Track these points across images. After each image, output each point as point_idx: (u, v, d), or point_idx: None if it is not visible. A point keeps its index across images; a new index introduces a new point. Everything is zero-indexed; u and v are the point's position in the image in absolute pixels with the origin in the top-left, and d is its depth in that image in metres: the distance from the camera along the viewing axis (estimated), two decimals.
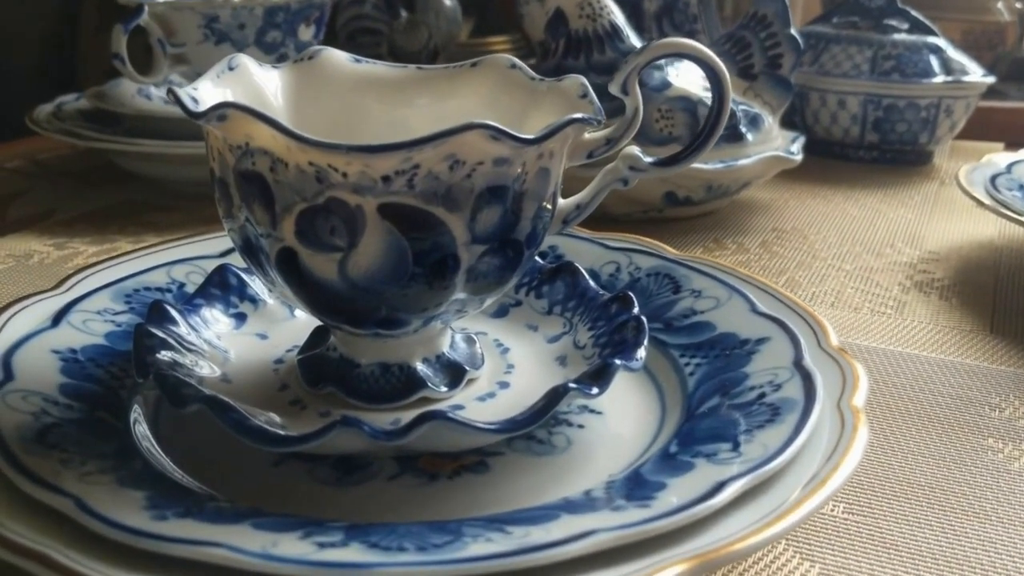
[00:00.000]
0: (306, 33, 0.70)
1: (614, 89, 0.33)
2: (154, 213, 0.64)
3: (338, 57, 0.37)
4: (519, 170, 0.29)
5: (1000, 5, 0.99)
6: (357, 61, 0.37)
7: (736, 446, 0.29)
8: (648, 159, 0.34)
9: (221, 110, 0.27)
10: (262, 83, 0.35)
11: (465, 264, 0.30)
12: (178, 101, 0.29)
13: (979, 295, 0.52)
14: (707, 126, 0.33)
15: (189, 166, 0.63)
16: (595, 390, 0.30)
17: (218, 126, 0.28)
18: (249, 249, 0.31)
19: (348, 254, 0.29)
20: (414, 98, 0.38)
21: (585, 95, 0.33)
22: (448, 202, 0.28)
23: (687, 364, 0.36)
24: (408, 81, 0.38)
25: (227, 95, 0.33)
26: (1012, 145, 0.85)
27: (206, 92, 0.32)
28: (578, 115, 0.29)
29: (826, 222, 0.65)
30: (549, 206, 0.32)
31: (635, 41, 0.62)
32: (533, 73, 0.35)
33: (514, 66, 0.36)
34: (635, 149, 0.34)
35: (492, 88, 0.36)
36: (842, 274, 0.55)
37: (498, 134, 0.27)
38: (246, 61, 0.35)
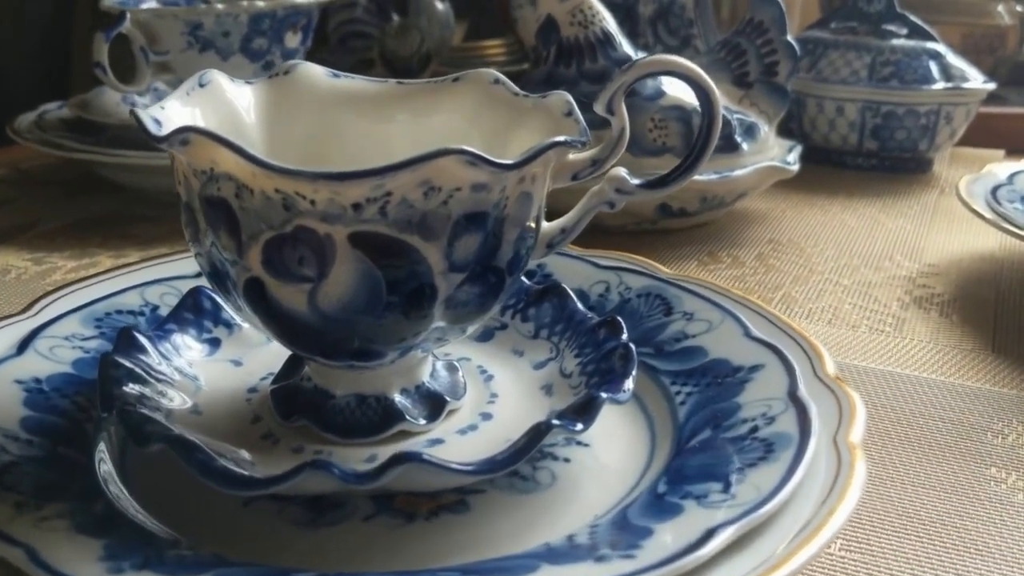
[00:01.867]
0: (293, 40, 0.68)
1: (599, 108, 0.31)
2: (137, 225, 0.63)
3: (315, 71, 0.36)
4: (499, 195, 0.28)
5: (1000, 8, 0.98)
6: (335, 76, 0.36)
7: (727, 487, 0.27)
8: (635, 181, 0.33)
9: (184, 134, 0.26)
10: (235, 99, 0.34)
11: (443, 293, 0.28)
12: (139, 123, 0.27)
13: (980, 311, 0.51)
14: (697, 146, 0.32)
15: (172, 177, 0.61)
16: (579, 426, 0.28)
17: (181, 151, 0.27)
18: (216, 276, 0.30)
19: (318, 285, 0.27)
20: (394, 114, 0.36)
21: (570, 113, 0.31)
22: (423, 230, 0.27)
23: (678, 393, 0.34)
24: (388, 96, 0.36)
25: (196, 114, 0.32)
26: (1013, 152, 0.84)
27: (174, 111, 0.30)
28: (560, 138, 0.28)
29: (823, 233, 0.63)
30: (532, 230, 0.31)
31: (628, 49, 0.60)
32: (517, 89, 0.34)
33: (497, 81, 0.35)
34: (622, 171, 0.33)
35: (475, 104, 0.35)
36: (840, 289, 0.54)
37: (475, 159, 0.26)
38: (218, 77, 0.33)
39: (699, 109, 0.58)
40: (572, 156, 0.31)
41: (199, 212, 0.29)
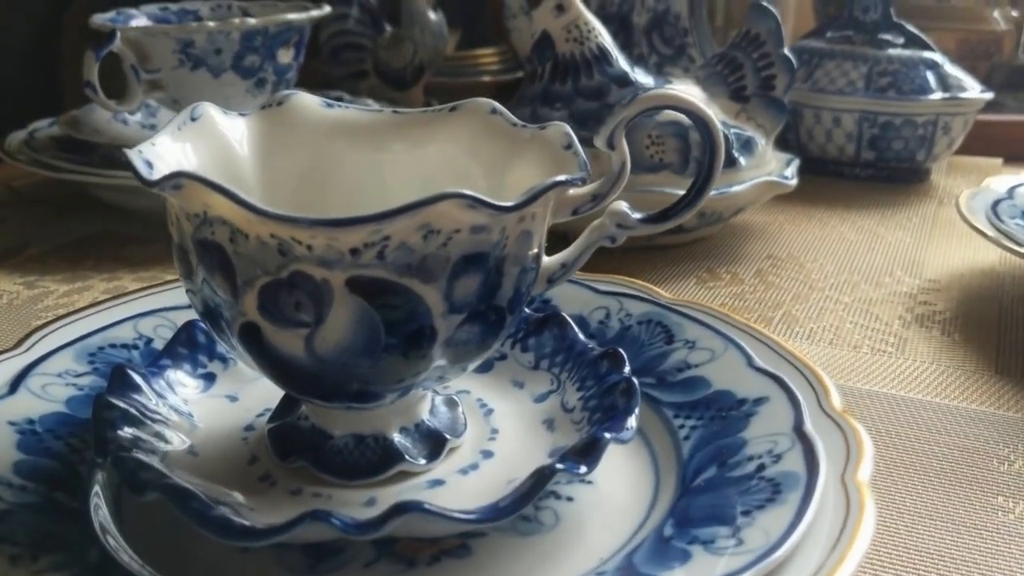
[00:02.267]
0: (286, 56, 0.67)
1: (600, 143, 0.31)
2: (129, 246, 0.62)
3: (308, 102, 0.35)
4: (499, 236, 0.27)
5: (996, 14, 0.97)
6: (328, 106, 0.35)
7: (735, 531, 0.27)
8: (636, 216, 0.32)
9: (176, 179, 0.25)
10: (227, 132, 0.33)
11: (443, 335, 0.28)
12: (131, 167, 0.27)
13: (982, 330, 0.50)
14: (699, 181, 0.31)
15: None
16: (583, 469, 0.28)
17: (174, 194, 0.26)
18: (210, 316, 0.29)
19: (315, 330, 0.27)
20: (390, 143, 0.36)
21: (569, 146, 0.31)
22: (423, 273, 0.26)
23: (681, 426, 0.34)
24: (383, 126, 0.36)
25: (187, 150, 0.31)
26: (1010, 160, 0.84)
27: (165, 147, 0.30)
28: (561, 177, 0.27)
29: (822, 248, 0.63)
30: (533, 267, 0.30)
31: (623, 65, 0.60)
32: (515, 119, 0.34)
33: (495, 111, 0.34)
34: (623, 205, 0.32)
35: (472, 134, 0.34)
36: (840, 307, 0.53)
37: (475, 203, 0.25)
38: (210, 110, 0.33)
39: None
40: (572, 191, 0.31)
41: (192, 254, 0.28)
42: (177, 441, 0.32)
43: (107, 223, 0.66)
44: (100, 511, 0.30)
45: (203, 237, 0.27)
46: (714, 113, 0.60)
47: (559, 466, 0.27)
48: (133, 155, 0.27)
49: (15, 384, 0.34)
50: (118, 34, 0.62)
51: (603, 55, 0.59)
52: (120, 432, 0.30)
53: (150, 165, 0.27)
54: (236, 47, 0.64)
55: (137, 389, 0.33)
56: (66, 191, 0.71)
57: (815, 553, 0.26)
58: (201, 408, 0.34)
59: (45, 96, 1.18)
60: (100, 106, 0.63)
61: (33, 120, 0.74)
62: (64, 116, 0.71)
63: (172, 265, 0.57)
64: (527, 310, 0.38)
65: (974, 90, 0.74)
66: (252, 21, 0.64)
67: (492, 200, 0.26)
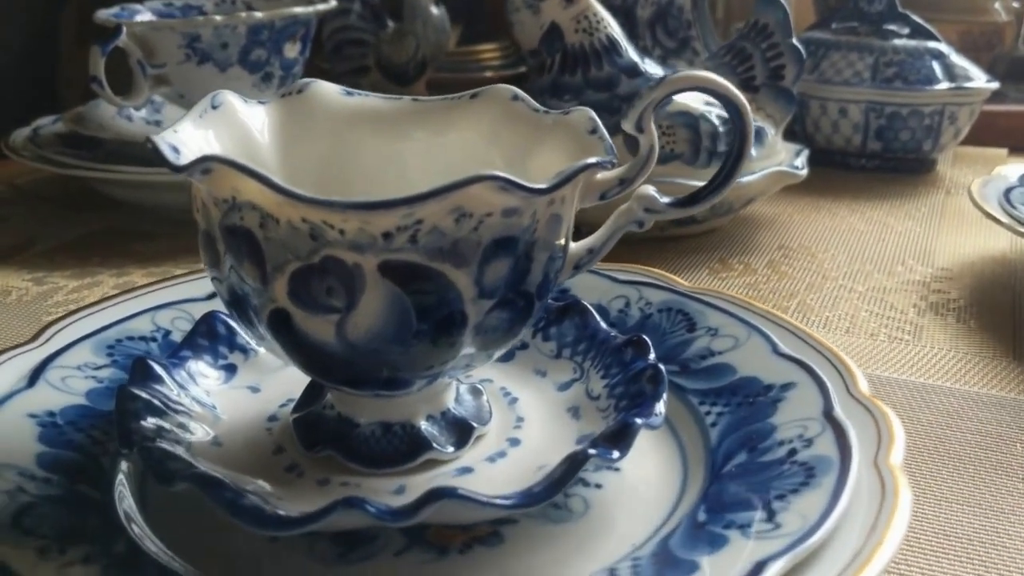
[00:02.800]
0: (292, 50, 0.67)
1: (628, 127, 0.30)
2: (136, 241, 0.62)
3: (328, 90, 0.35)
4: (530, 220, 0.27)
5: (998, 5, 0.97)
6: (348, 94, 0.35)
7: (771, 515, 0.26)
8: (664, 199, 0.32)
9: (205, 163, 0.25)
10: (247, 120, 0.33)
11: (473, 320, 0.28)
12: (157, 152, 0.26)
13: (998, 316, 0.50)
14: (729, 163, 0.31)
15: (171, 192, 0.60)
16: (616, 454, 0.28)
17: (202, 180, 0.26)
18: (237, 305, 0.29)
19: (346, 315, 0.27)
20: (411, 131, 0.35)
21: (595, 130, 0.31)
22: (454, 257, 0.26)
23: (708, 413, 0.33)
24: (403, 114, 0.35)
25: (210, 136, 0.31)
26: (1015, 150, 0.84)
27: (188, 135, 0.29)
28: (592, 160, 0.27)
29: (833, 238, 0.63)
30: (561, 252, 0.30)
31: (633, 55, 0.60)
32: (537, 105, 0.33)
33: (516, 97, 0.34)
34: (650, 189, 0.32)
35: (493, 121, 0.34)
36: (855, 296, 0.53)
37: (508, 185, 0.25)
38: (230, 98, 0.32)
39: (706, 115, 0.58)
40: (600, 175, 0.31)
41: (219, 241, 0.28)
42: (201, 432, 0.32)
43: (113, 219, 0.66)
44: (124, 501, 0.29)
45: (232, 223, 0.27)
46: None
47: (592, 451, 0.27)
48: (159, 141, 0.27)
49: (34, 377, 0.34)
50: (124, 29, 0.61)
51: (612, 46, 0.59)
52: (144, 423, 0.30)
53: (176, 150, 0.27)
54: (243, 41, 0.64)
55: (159, 380, 0.33)
56: (71, 188, 0.71)
57: (852, 537, 0.26)
58: (223, 399, 0.34)
59: (42, 94, 1.18)
60: (106, 101, 0.62)
61: (30, 118, 0.73)
62: (68, 112, 0.71)
63: (182, 260, 0.57)
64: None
65: (980, 80, 0.74)
66: (258, 15, 0.63)
67: (525, 182, 0.25)
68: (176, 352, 0.35)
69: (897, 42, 0.76)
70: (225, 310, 0.35)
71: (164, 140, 0.27)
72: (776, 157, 0.62)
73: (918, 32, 0.77)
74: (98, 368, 0.35)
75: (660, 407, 0.30)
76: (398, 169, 0.35)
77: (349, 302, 0.26)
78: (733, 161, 0.31)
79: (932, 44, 0.76)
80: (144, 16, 0.68)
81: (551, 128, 0.32)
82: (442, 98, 0.35)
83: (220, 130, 0.31)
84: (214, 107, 0.32)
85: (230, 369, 0.36)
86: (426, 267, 0.26)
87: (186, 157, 0.27)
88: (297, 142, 0.34)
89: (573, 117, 0.32)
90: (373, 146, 0.35)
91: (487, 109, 0.34)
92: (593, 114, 0.31)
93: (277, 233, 0.26)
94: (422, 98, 0.35)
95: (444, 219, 0.25)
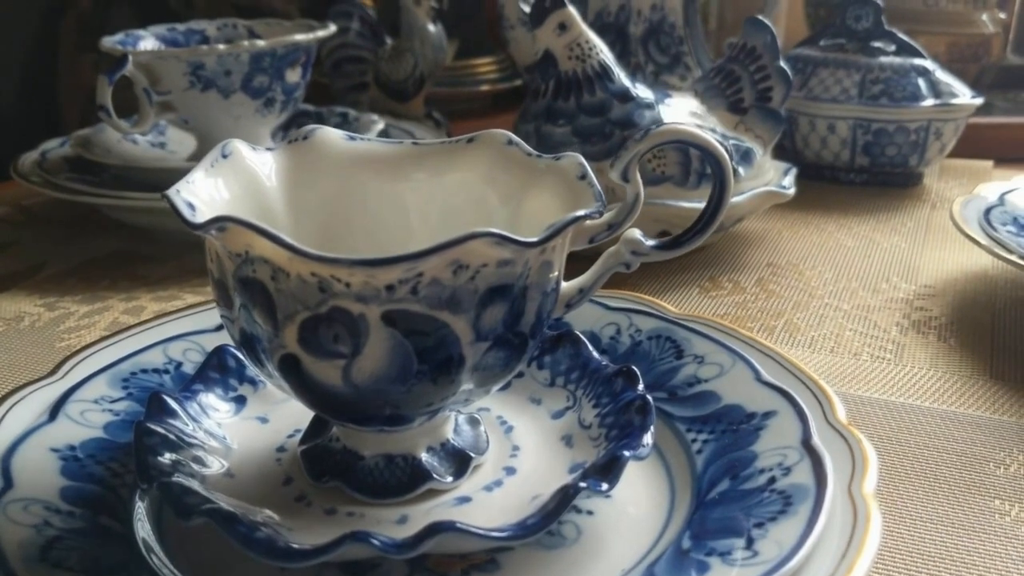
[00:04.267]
0: (293, 75, 0.69)
1: (614, 176, 0.32)
2: (143, 265, 0.64)
3: (332, 136, 0.37)
4: (523, 268, 0.29)
5: (984, 17, 0.99)
6: (351, 139, 0.37)
7: (750, 543, 0.28)
8: (650, 243, 0.34)
9: (220, 223, 0.27)
10: (256, 167, 0.35)
11: (470, 361, 0.30)
12: (175, 210, 0.28)
13: (977, 335, 0.52)
14: (709, 210, 0.33)
15: (177, 218, 0.62)
16: (605, 486, 0.29)
17: (217, 237, 0.28)
18: (248, 345, 0.31)
19: (352, 360, 0.28)
20: (411, 173, 0.37)
21: (584, 176, 0.33)
22: (452, 305, 0.28)
23: (694, 440, 0.35)
24: (404, 157, 0.37)
25: (220, 185, 0.33)
26: (1001, 161, 0.85)
27: (200, 184, 0.32)
28: (581, 212, 0.29)
29: (820, 254, 0.65)
30: (552, 293, 0.32)
31: (624, 81, 0.61)
32: (530, 149, 0.35)
33: (511, 142, 0.36)
34: (636, 233, 0.34)
35: (489, 164, 0.36)
36: (840, 314, 0.55)
37: (503, 240, 0.27)
38: (239, 146, 0.34)
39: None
40: (589, 222, 0.32)
41: (233, 290, 0.30)
42: (215, 464, 0.34)
43: (120, 242, 0.67)
44: (144, 530, 0.31)
45: (245, 275, 0.29)
46: (713, 124, 0.62)
47: (582, 484, 0.29)
48: (175, 198, 0.29)
49: (55, 411, 0.36)
50: (130, 58, 0.63)
51: (605, 72, 0.61)
52: (161, 458, 0.31)
53: (192, 207, 0.29)
54: (245, 68, 0.65)
55: (173, 414, 0.34)
56: (78, 210, 0.73)
57: (825, 562, 0.27)
58: (234, 431, 0.36)
59: (43, 106, 1.19)
60: (114, 128, 0.64)
61: (31, 138, 0.75)
62: (75, 135, 0.73)
63: (188, 284, 0.59)
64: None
65: (965, 96, 0.76)
66: (261, 43, 0.65)
67: (518, 237, 0.27)
68: (188, 386, 0.37)
69: (883, 59, 0.78)
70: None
71: (179, 195, 0.29)
72: (764, 177, 0.64)
73: (904, 49, 0.79)
74: (114, 401, 0.37)
75: (648, 438, 0.32)
76: (399, 209, 0.37)
77: (354, 348, 0.28)
78: (713, 207, 0.33)
79: (918, 61, 0.77)
80: (148, 42, 0.69)
81: (543, 172, 0.34)
82: (440, 142, 0.37)
83: (230, 178, 0.33)
84: (224, 156, 0.34)
85: (240, 401, 0.38)
86: (426, 315, 0.28)
87: (201, 212, 0.29)
88: (303, 186, 0.36)
89: (564, 163, 0.34)
90: (375, 188, 0.37)
91: (483, 153, 0.36)
92: (582, 160, 0.33)
93: (288, 285, 0.28)
94: (421, 142, 0.37)
95: (443, 272, 0.27)
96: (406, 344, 0.28)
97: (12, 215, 0.75)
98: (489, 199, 0.36)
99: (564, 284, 0.34)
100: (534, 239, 0.28)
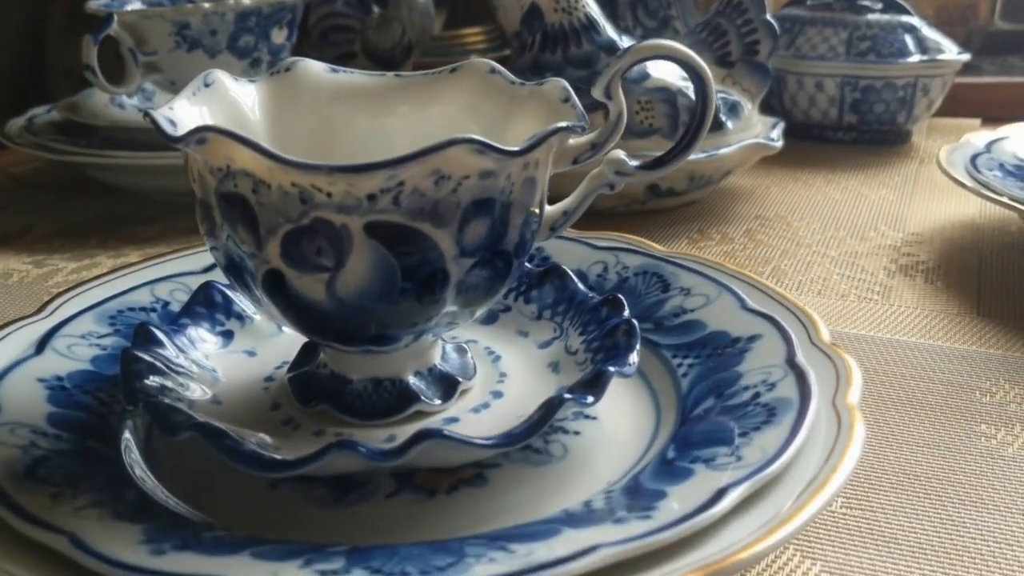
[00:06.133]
0: (279, 36, 0.69)
1: (597, 93, 0.32)
2: (133, 226, 0.63)
3: (315, 68, 0.37)
4: (505, 182, 0.29)
5: None
6: (334, 71, 0.37)
7: (734, 450, 0.28)
8: (634, 163, 0.34)
9: (200, 134, 0.27)
10: (239, 98, 0.35)
11: (455, 278, 0.30)
12: (155, 125, 0.28)
13: (964, 277, 0.52)
14: (691, 127, 0.33)
15: (165, 176, 0.62)
16: (590, 399, 0.30)
17: (198, 149, 0.28)
18: (234, 269, 0.31)
19: (336, 274, 0.28)
20: (394, 106, 0.37)
21: (567, 99, 0.32)
22: (435, 218, 0.28)
23: (679, 365, 0.35)
24: (387, 89, 0.37)
25: (203, 113, 0.32)
26: (988, 121, 0.85)
27: (183, 111, 0.31)
28: (562, 124, 0.29)
29: (809, 207, 0.65)
30: (536, 214, 0.32)
31: (611, 33, 0.61)
32: (513, 77, 0.35)
33: (494, 71, 0.36)
34: (620, 153, 0.34)
35: (472, 94, 0.36)
36: (827, 260, 0.55)
37: (483, 147, 0.27)
38: (221, 76, 0.34)
39: (684, 90, 0.60)
40: (572, 141, 0.33)
41: (215, 208, 0.30)
42: (201, 392, 0.34)
43: (108, 205, 0.67)
44: (131, 453, 0.31)
45: (227, 190, 0.29)
46: None
47: (568, 396, 0.29)
48: (157, 115, 0.29)
49: (41, 345, 0.36)
50: (115, 17, 0.63)
51: (591, 24, 0.61)
52: (148, 382, 0.32)
53: (173, 124, 0.29)
54: (231, 28, 0.65)
55: (160, 344, 0.35)
56: (66, 175, 0.73)
57: (810, 467, 0.28)
58: (222, 362, 0.36)
59: (33, 87, 1.19)
60: (99, 89, 0.64)
61: (21, 108, 0.75)
62: (62, 101, 0.73)
63: (176, 242, 0.59)
64: (529, 265, 0.40)
65: (951, 52, 0.76)
66: (246, 2, 0.65)
67: (498, 144, 0.27)
68: (176, 320, 0.37)
69: (871, 17, 0.78)
70: (222, 280, 0.37)
71: (161, 114, 0.29)
72: (753, 130, 0.64)
73: (891, 7, 0.79)
74: (101, 337, 0.37)
75: (633, 357, 0.32)
76: (383, 142, 0.37)
77: (338, 261, 0.28)
78: (697, 123, 0.33)
79: (904, 18, 0.78)
80: (134, 4, 0.69)
81: (527, 99, 0.34)
82: (423, 73, 0.37)
83: (213, 107, 0.33)
84: (206, 85, 0.34)
85: (227, 335, 0.38)
86: (409, 227, 0.28)
87: (182, 129, 0.29)
88: (286, 119, 0.36)
89: (547, 88, 0.33)
90: (358, 121, 0.37)
91: (466, 82, 0.36)
92: (565, 84, 0.33)
93: (269, 198, 0.28)
94: (404, 74, 0.37)
95: (424, 181, 0.27)
96: (390, 258, 0.28)
97: (1, 181, 0.74)
98: (472, 129, 0.35)
99: (548, 208, 0.34)
100: (515, 148, 0.28)
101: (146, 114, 0.29)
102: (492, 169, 0.28)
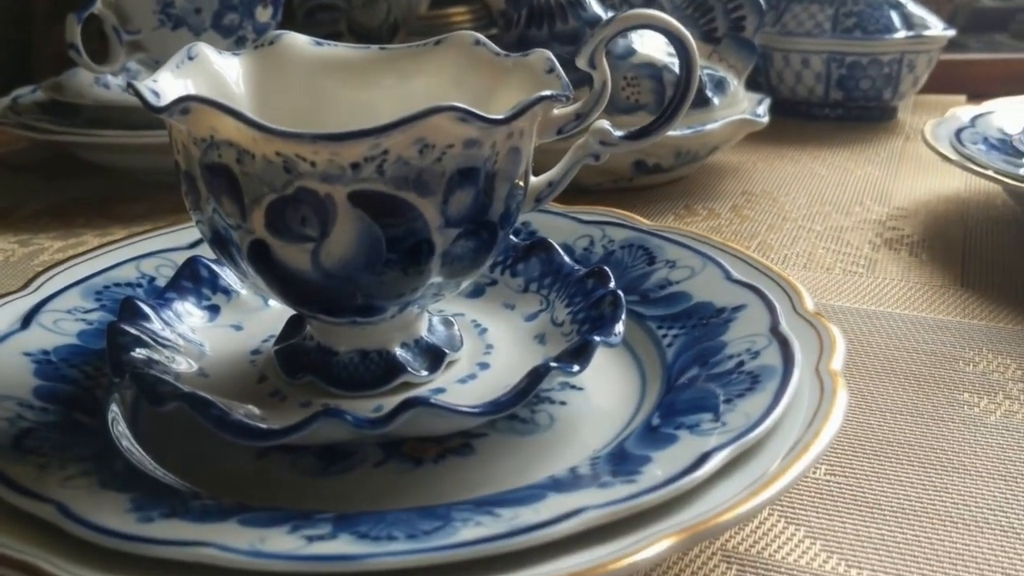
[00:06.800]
0: (264, 15, 0.68)
1: (581, 63, 0.32)
2: (119, 205, 0.63)
3: (299, 41, 0.37)
4: (490, 151, 0.29)
5: None
6: (318, 44, 0.37)
7: (718, 416, 0.29)
8: (618, 133, 0.34)
9: (184, 103, 0.27)
10: (223, 71, 0.35)
11: (440, 248, 0.30)
12: (139, 95, 0.28)
13: (948, 250, 0.53)
14: (676, 97, 0.33)
15: (151, 155, 0.62)
16: (576, 368, 0.30)
17: (181, 119, 0.28)
18: (219, 241, 0.31)
19: (320, 244, 0.28)
20: (379, 79, 0.37)
21: (552, 70, 0.32)
22: (419, 187, 0.28)
23: (665, 335, 0.36)
24: (372, 62, 0.37)
25: (188, 85, 0.32)
26: (974, 97, 0.86)
27: (166, 83, 0.31)
28: (547, 92, 0.29)
29: (795, 183, 0.65)
30: (521, 185, 0.32)
31: (597, 9, 0.61)
32: (498, 49, 0.35)
33: (478, 43, 0.36)
34: (605, 123, 0.34)
35: (457, 66, 0.36)
36: (813, 235, 0.55)
37: (466, 116, 0.27)
38: (205, 49, 0.34)
39: (669, 66, 0.60)
40: (557, 111, 0.33)
41: (199, 180, 0.30)
42: (187, 365, 0.34)
43: (93, 185, 0.67)
44: (118, 425, 0.31)
45: (211, 161, 0.28)
46: None
47: (553, 364, 0.29)
48: (140, 86, 0.29)
49: (27, 320, 0.36)
50: None
51: (577, 0, 0.61)
52: (134, 354, 0.32)
53: (157, 95, 0.29)
54: (216, 6, 0.65)
55: (146, 318, 0.35)
56: (50, 155, 0.72)
57: (793, 431, 0.28)
58: (208, 336, 0.36)
59: (17, 73, 1.18)
60: (83, 67, 0.64)
61: (5, 89, 0.74)
62: (47, 81, 0.72)
63: (162, 220, 0.59)
64: (515, 239, 0.40)
65: (937, 28, 0.76)
66: None
67: (481, 112, 0.27)
68: (162, 294, 0.37)
69: None
70: (208, 255, 0.37)
71: (144, 86, 0.29)
72: (739, 106, 0.64)
73: None
74: (87, 312, 0.37)
75: (619, 327, 0.32)
76: (368, 115, 0.37)
77: (322, 231, 0.28)
78: (681, 93, 0.33)
79: None
80: None
81: (512, 70, 0.34)
82: (408, 46, 0.37)
83: (197, 79, 0.33)
84: (190, 58, 0.33)
85: (214, 309, 0.38)
86: (393, 196, 0.28)
87: (166, 100, 0.29)
88: (271, 91, 0.36)
89: (532, 59, 0.34)
90: (344, 94, 0.37)
91: (451, 55, 0.36)
92: (550, 55, 0.33)
93: (253, 168, 0.28)
94: (389, 46, 0.37)
95: (408, 150, 0.27)
96: (375, 228, 0.28)
97: None
98: (458, 100, 0.35)
99: (533, 179, 0.34)
100: (499, 116, 0.28)
101: (130, 85, 0.29)
102: (476, 138, 0.28)
